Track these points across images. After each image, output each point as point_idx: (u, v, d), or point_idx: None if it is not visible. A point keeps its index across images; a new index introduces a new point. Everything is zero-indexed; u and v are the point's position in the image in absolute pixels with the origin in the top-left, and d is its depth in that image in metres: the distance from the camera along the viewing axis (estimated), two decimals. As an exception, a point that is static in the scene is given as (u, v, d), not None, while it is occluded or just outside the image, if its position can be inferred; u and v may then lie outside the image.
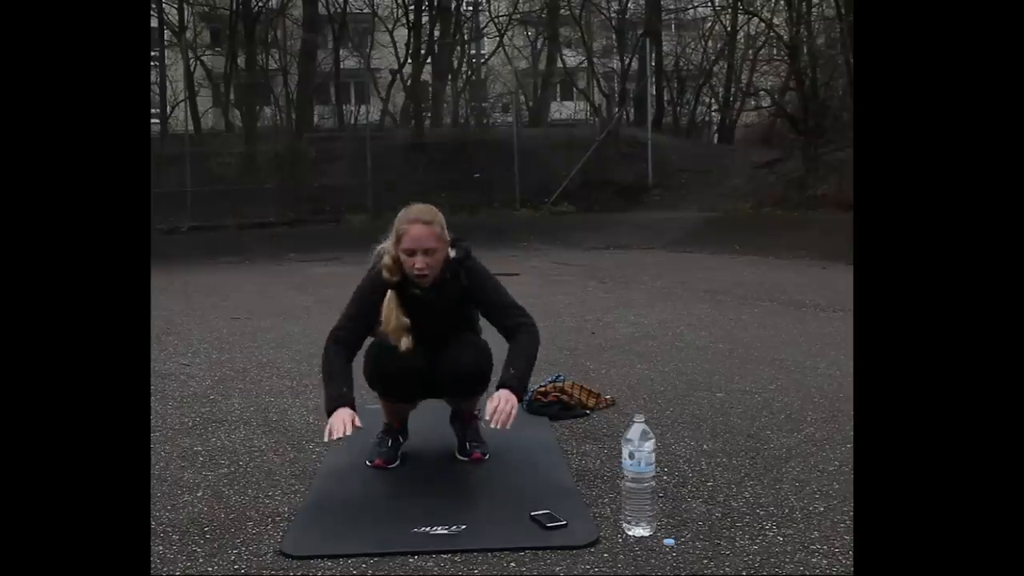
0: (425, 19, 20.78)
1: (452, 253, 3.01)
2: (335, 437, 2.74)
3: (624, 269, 10.21)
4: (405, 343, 2.95)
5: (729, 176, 16.71)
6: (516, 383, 2.82)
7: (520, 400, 2.81)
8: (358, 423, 2.75)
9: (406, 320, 2.97)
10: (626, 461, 2.51)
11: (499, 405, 2.73)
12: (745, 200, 15.01)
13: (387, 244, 2.99)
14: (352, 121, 22.14)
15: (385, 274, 2.96)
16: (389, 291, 2.98)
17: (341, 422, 2.74)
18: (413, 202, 3.04)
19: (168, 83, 21.05)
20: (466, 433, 3.20)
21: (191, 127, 18.92)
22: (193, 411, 3.98)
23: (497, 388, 2.81)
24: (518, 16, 23.54)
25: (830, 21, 16.21)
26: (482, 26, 23.74)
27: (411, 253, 2.89)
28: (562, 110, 25.51)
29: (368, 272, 3.07)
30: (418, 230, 2.90)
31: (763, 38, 20.00)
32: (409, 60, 20.63)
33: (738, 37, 21.79)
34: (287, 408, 3.99)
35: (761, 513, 2.64)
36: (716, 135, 23.85)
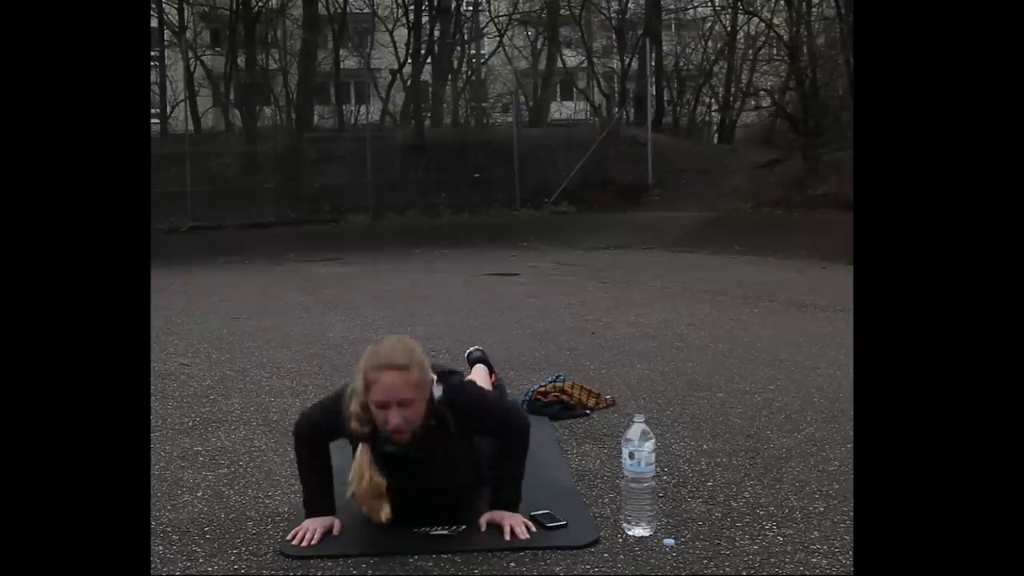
0: (425, 19, 20.75)
1: (437, 391, 2.48)
2: (299, 543, 2.42)
3: (624, 269, 10.20)
4: (385, 513, 2.42)
5: (729, 176, 16.69)
6: (510, 501, 2.56)
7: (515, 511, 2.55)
8: (336, 532, 2.47)
9: (381, 481, 2.41)
10: (626, 461, 2.51)
11: (508, 528, 2.46)
12: (745, 200, 14.99)
13: (355, 384, 2.42)
14: (352, 121, 22.14)
15: (353, 424, 2.41)
16: (360, 445, 2.45)
17: (311, 533, 2.45)
18: (387, 338, 2.46)
19: (168, 83, 21.05)
20: None
21: (191, 127, 18.90)
22: (193, 411, 3.98)
23: (491, 508, 2.55)
24: (518, 16, 23.50)
25: (830, 21, 16.21)
26: (482, 26, 23.72)
27: (383, 406, 2.35)
28: (562, 110, 25.50)
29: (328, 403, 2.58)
30: (391, 379, 2.34)
31: (763, 38, 19.99)
32: (409, 60, 20.61)
33: (738, 37, 21.78)
34: (287, 408, 3.99)
35: (761, 513, 2.64)
36: (716, 135, 23.83)
